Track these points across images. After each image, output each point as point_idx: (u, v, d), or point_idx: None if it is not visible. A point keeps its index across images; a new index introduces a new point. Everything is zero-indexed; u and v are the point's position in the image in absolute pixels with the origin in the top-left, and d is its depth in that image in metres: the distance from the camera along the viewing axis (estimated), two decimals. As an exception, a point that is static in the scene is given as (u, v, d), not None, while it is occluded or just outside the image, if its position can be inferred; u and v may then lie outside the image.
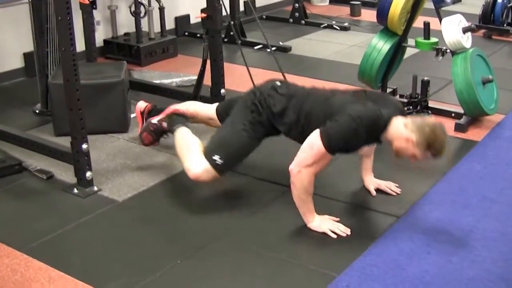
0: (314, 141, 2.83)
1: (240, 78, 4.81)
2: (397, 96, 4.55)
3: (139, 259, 2.77)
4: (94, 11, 5.02)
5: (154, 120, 3.46)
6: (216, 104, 3.46)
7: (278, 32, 6.62)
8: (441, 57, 4.21)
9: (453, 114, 4.26)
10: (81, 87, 3.78)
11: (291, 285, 2.61)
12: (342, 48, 6.03)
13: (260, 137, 3.16)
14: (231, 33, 6.07)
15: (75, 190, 3.28)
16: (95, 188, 3.31)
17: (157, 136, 3.48)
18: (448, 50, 4.16)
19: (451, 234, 2.97)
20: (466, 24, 4.14)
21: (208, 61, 4.06)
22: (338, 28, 6.67)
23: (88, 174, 3.28)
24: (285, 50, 5.88)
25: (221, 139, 3.16)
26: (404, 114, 3.00)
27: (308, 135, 2.89)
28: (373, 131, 2.86)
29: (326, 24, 6.76)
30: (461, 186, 3.41)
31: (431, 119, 2.87)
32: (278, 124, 3.11)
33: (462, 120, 4.13)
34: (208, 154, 3.10)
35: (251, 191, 3.33)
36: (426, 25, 4.26)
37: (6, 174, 3.45)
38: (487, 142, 3.96)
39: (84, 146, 3.24)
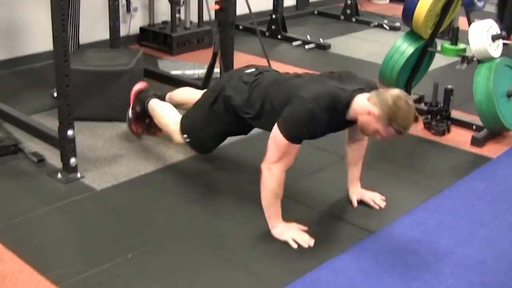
0: (275, 135, 2.73)
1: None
2: (422, 104, 4.34)
3: (93, 249, 2.76)
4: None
5: (129, 112, 3.60)
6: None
7: (326, 28, 6.49)
8: (465, 65, 3.97)
9: (474, 127, 4.03)
10: (88, 74, 3.87)
11: (230, 292, 2.53)
12: (385, 49, 5.74)
13: (227, 124, 3.14)
14: (273, 27, 6.01)
15: (59, 175, 3.31)
16: (78, 175, 3.32)
17: (143, 121, 3.65)
18: (474, 58, 3.92)
19: (422, 257, 2.79)
20: (497, 31, 3.88)
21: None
22: (388, 28, 6.45)
23: (72, 160, 3.30)
24: (324, 47, 5.75)
25: (189, 119, 3.28)
26: (374, 87, 2.86)
27: (275, 121, 2.77)
28: (333, 110, 2.70)
29: (376, 23, 6.56)
30: (454, 205, 3.21)
31: (396, 90, 2.69)
32: (242, 114, 3.03)
33: (480, 134, 3.89)
34: (181, 130, 3.30)
35: (229, 192, 3.24)
36: (455, 30, 4.04)
37: (1, 154, 3.51)
38: (501, 160, 3.71)
39: (70, 132, 3.25)
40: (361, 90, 2.76)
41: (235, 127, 3.19)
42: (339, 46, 5.85)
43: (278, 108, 2.81)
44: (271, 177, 2.75)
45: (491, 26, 3.80)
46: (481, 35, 3.75)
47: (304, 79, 2.90)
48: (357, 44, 6.01)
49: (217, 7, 3.85)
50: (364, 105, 2.68)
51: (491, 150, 3.81)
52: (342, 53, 5.69)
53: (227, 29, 3.88)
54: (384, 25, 6.49)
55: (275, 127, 2.73)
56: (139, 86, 3.67)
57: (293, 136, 2.69)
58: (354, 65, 5.33)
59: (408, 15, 4.03)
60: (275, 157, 2.73)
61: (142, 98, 3.59)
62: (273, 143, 2.74)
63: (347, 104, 2.72)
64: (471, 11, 3.88)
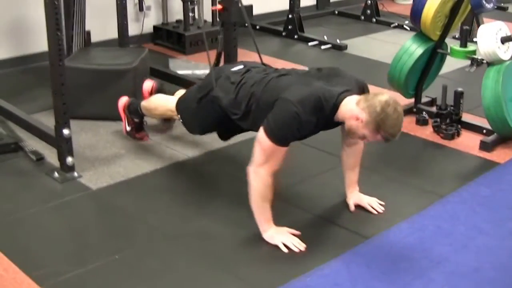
0: (260, 137, 2.67)
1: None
2: (434, 108, 4.22)
3: (81, 249, 2.75)
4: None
5: (126, 127, 3.65)
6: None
7: (345, 28, 6.40)
8: (474, 67, 3.86)
9: (484, 131, 3.91)
10: (91, 73, 3.87)
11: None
12: (402, 50, 5.70)
13: (214, 121, 3.10)
14: (290, 27, 5.94)
15: (56, 175, 3.29)
16: (76, 174, 3.30)
17: (143, 125, 3.66)
18: (484, 61, 3.81)
19: (416, 264, 2.70)
20: (507, 33, 3.76)
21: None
22: (408, 29, 6.32)
23: (69, 159, 3.29)
24: (340, 48, 5.66)
25: (181, 105, 3.25)
26: (365, 90, 2.78)
27: (261, 121, 2.71)
28: (320, 112, 2.63)
29: (396, 24, 6.44)
30: (455, 211, 3.11)
31: (385, 96, 2.59)
32: (230, 114, 2.97)
33: (489, 139, 3.78)
34: (176, 109, 3.28)
35: (225, 195, 3.18)
36: (464, 31, 3.92)
37: (1, 151, 3.51)
38: (509, 165, 3.59)
39: (66, 131, 3.24)
40: (349, 92, 2.68)
41: (222, 125, 3.14)
42: (356, 47, 5.75)
43: (264, 108, 2.75)
44: (258, 180, 2.69)
45: (501, 28, 3.68)
46: (490, 37, 3.63)
47: (290, 79, 2.81)
48: (375, 45, 5.90)
49: (220, 7, 3.79)
50: (352, 110, 2.61)
51: (500, 155, 3.69)
52: (359, 54, 5.59)
53: (230, 29, 3.82)
54: (405, 26, 6.36)
55: (261, 130, 2.67)
56: (123, 101, 3.65)
57: (278, 138, 2.63)
58: (370, 67, 5.25)
59: (416, 16, 3.93)
60: (261, 160, 2.67)
61: (134, 109, 3.59)
62: (258, 146, 2.68)
63: (335, 106, 2.65)
64: (480, 13, 3.76)
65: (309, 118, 2.61)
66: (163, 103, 3.43)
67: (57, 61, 3.12)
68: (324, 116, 2.66)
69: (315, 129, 2.72)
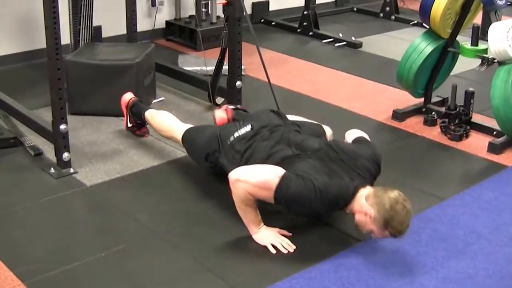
0: (273, 173, 2.61)
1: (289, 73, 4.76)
2: (443, 108, 4.09)
3: (67, 246, 2.72)
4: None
5: (127, 124, 3.59)
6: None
7: (362, 26, 6.30)
8: (485, 67, 3.74)
9: (494, 132, 3.79)
10: (94, 68, 3.85)
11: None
12: (419, 49, 5.58)
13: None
14: (305, 23, 5.87)
15: (52, 170, 3.28)
16: (71, 170, 3.28)
17: (143, 125, 3.61)
18: (495, 60, 3.69)
19: (407, 269, 2.62)
20: (519, 31, 3.64)
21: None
22: (428, 27, 6.17)
23: (65, 155, 3.27)
24: (355, 46, 5.56)
25: (187, 144, 3.21)
26: (377, 175, 2.80)
27: None
28: (334, 205, 2.65)
29: (415, 22, 6.31)
30: (455, 215, 3.01)
31: (395, 192, 2.54)
32: None
33: (498, 140, 3.66)
34: (182, 141, 3.23)
35: (218, 195, 3.08)
36: (475, 29, 3.81)
37: (1, 146, 3.51)
38: (517, 168, 3.48)
39: (62, 127, 3.22)
40: (363, 184, 2.66)
41: None
42: (372, 45, 5.65)
43: None
44: (236, 189, 2.66)
45: (512, 27, 3.56)
46: (501, 35, 3.52)
47: (312, 165, 2.67)
48: (390, 43, 5.79)
49: (224, 1, 3.73)
50: (361, 205, 2.59)
51: (509, 157, 3.57)
52: (374, 52, 5.49)
53: (235, 24, 3.76)
54: (424, 24, 6.22)
55: (279, 171, 2.60)
56: (127, 98, 3.59)
57: (279, 196, 2.59)
58: (383, 65, 5.15)
59: (425, 12, 3.83)
60: (252, 180, 2.61)
61: (137, 113, 3.54)
62: (263, 172, 2.63)
63: (349, 199, 2.64)
64: (491, 10, 3.64)
65: (322, 207, 2.64)
66: (169, 128, 3.35)
67: (54, 55, 3.10)
68: (336, 206, 2.68)
69: (320, 213, 2.77)
